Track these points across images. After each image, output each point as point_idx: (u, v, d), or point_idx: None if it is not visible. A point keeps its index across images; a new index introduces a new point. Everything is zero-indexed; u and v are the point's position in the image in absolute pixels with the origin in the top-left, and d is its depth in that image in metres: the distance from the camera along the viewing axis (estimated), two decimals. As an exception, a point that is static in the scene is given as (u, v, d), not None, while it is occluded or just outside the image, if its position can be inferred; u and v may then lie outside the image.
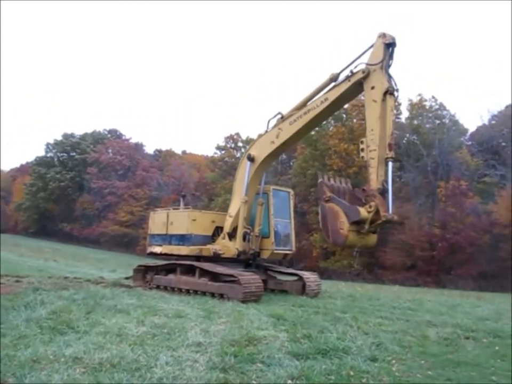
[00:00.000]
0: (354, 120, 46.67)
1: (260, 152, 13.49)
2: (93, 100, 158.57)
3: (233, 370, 5.51)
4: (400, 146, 44.52)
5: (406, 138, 46.68)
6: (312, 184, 41.45)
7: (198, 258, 14.03)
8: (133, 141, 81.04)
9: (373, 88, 10.90)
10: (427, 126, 46.69)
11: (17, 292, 10.79)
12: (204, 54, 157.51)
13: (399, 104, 48.14)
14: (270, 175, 48.55)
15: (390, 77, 10.88)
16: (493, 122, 48.63)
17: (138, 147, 79.76)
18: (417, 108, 47.30)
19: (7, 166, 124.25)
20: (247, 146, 15.25)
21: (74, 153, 79.12)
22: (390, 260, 39.24)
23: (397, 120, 48.53)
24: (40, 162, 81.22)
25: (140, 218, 58.54)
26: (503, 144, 45.08)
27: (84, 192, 74.47)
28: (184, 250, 14.18)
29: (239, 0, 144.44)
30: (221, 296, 12.32)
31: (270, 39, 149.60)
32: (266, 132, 13.51)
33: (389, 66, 10.97)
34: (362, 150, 10.82)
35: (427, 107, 47.11)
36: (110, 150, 75.53)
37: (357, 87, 11.37)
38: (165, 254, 15.29)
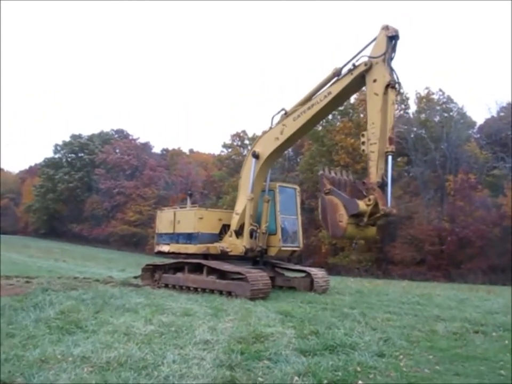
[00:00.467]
0: (361, 115, 46.45)
1: (265, 149, 13.49)
2: (100, 101, 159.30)
3: (240, 368, 5.51)
4: (407, 141, 44.27)
5: (413, 133, 46.34)
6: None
7: (206, 256, 14.05)
8: (140, 140, 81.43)
9: (375, 81, 10.91)
10: (435, 119, 46.32)
11: (27, 293, 10.88)
12: (209, 52, 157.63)
13: (407, 99, 47.96)
14: (278, 172, 48.56)
15: (392, 70, 10.90)
16: (502, 114, 48.10)
17: (145, 147, 79.99)
18: (425, 101, 46.95)
19: (16, 168, 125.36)
20: (254, 144, 15.31)
21: (82, 154, 79.47)
22: (399, 255, 39.07)
23: (405, 114, 48.32)
24: (49, 163, 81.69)
25: (149, 218, 58.68)
26: (512, 136, 44.62)
27: (92, 193, 74.84)
28: (191, 248, 14.21)
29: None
30: (229, 293, 12.34)
31: (275, 36, 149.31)
32: (270, 128, 13.51)
33: (392, 59, 10.98)
34: (363, 143, 10.92)
35: (435, 100, 46.74)
36: (117, 150, 75.80)
37: (360, 80, 11.38)
38: (173, 253, 15.33)
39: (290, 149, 52.99)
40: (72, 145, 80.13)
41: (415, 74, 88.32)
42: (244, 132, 61.63)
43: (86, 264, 30.58)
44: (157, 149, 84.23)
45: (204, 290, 13.17)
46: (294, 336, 7.26)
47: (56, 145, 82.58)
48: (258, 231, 13.51)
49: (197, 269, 13.77)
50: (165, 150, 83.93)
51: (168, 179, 67.82)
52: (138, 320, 8.04)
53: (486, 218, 36.77)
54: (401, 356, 6.36)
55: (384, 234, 41.47)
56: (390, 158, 10.59)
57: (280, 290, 14.27)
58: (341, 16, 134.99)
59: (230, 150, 62.84)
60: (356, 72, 11.37)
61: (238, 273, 12.49)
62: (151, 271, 15.63)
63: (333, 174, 11.72)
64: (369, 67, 11.02)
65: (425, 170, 43.82)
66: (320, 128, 48.24)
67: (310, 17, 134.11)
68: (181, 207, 16.84)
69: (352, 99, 44.44)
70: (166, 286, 14.59)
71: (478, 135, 50.28)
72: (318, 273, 14.57)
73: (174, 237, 15.12)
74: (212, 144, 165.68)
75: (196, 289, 13.40)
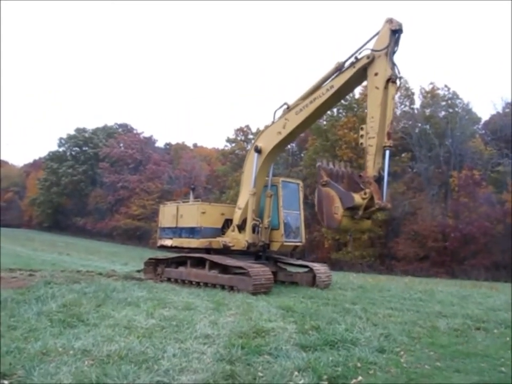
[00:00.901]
0: (366, 110, 46.24)
1: (267, 143, 13.46)
2: (104, 95, 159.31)
3: (240, 362, 5.51)
4: (412, 136, 44.11)
5: (418, 128, 46.15)
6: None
7: (208, 250, 14.07)
8: (144, 135, 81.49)
9: (376, 74, 10.92)
10: (440, 115, 46.10)
11: (30, 286, 10.90)
12: (214, 47, 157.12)
13: (412, 94, 47.70)
14: (281, 167, 48.52)
15: (394, 64, 10.89)
16: (507, 110, 47.80)
17: (149, 141, 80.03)
18: (430, 96, 46.72)
19: (20, 162, 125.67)
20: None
21: (86, 148, 79.65)
22: (402, 251, 39.06)
23: (409, 109, 48.11)
24: (53, 157, 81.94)
25: (152, 212, 58.74)
26: (517, 132, 44.36)
27: (96, 187, 75.09)
28: (194, 243, 14.23)
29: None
30: (231, 288, 12.34)
31: (280, 32, 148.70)
32: (272, 122, 13.47)
33: (394, 53, 10.97)
34: (362, 136, 10.99)
35: (440, 96, 46.49)
36: (121, 144, 75.93)
37: (362, 74, 11.36)
38: (175, 247, 15.35)
39: (294, 144, 53.00)
40: (76, 139, 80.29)
41: (420, 70, 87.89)
42: (247, 126, 61.64)
43: (89, 257, 30.73)
44: (160, 143, 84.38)
45: (206, 284, 13.19)
46: (295, 331, 7.26)
47: (60, 139, 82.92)
48: (260, 225, 13.51)
49: (199, 263, 13.78)
50: (168, 144, 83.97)
51: (172, 173, 67.88)
52: (140, 314, 8.06)
53: (490, 215, 36.68)
54: (402, 352, 6.36)
55: (387, 230, 41.52)
56: (387, 152, 10.65)
57: (282, 285, 14.28)
58: (346, 10, 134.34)
59: (233, 144, 62.75)
60: (358, 65, 11.36)
61: (240, 267, 12.50)
62: (153, 265, 15.66)
63: (331, 166, 11.81)
64: (371, 60, 11.01)
65: (430, 166, 43.68)
66: (324, 123, 48.15)
67: (315, 12, 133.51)
68: (183, 202, 16.84)
69: (357, 94, 44.34)
70: (169, 280, 14.62)
71: (483, 131, 50.08)
72: (320, 268, 14.56)
73: (177, 231, 15.12)
74: (215, 138, 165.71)
75: (198, 284, 13.42)
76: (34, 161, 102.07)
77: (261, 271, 12.24)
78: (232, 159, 59.87)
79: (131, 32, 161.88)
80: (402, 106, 48.27)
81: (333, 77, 11.98)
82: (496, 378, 5.45)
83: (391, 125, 10.67)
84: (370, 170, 10.62)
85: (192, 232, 14.41)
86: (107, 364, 5.17)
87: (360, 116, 45.26)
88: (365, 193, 10.50)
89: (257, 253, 14.36)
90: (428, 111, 46.62)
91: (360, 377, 5.20)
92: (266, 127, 13.80)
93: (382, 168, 10.69)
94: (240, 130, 62.00)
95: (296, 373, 5.21)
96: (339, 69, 11.80)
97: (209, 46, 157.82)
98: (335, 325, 7.70)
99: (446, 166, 43.63)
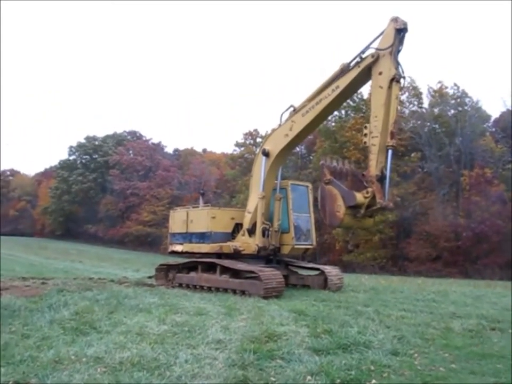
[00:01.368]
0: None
1: (275, 146, 13.46)
2: (112, 102, 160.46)
3: (252, 367, 5.48)
4: (421, 136, 43.81)
5: (427, 127, 45.82)
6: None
7: (219, 255, 14.04)
8: (153, 141, 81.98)
9: (380, 73, 10.97)
10: (449, 113, 45.75)
11: (42, 294, 10.98)
12: (222, 51, 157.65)
13: (420, 93, 47.39)
14: (291, 170, 48.50)
15: (398, 64, 10.94)
16: (517, 107, 47.31)
17: (157, 147, 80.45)
18: (438, 95, 46.41)
19: (32, 171, 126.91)
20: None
21: (96, 156, 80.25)
22: (414, 252, 38.75)
23: (418, 109, 47.79)
24: (64, 165, 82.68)
25: (163, 218, 58.88)
26: (528, 129, 43.86)
27: (106, 194, 75.54)
28: (204, 248, 14.23)
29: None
30: (243, 292, 12.31)
31: (287, 35, 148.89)
32: (279, 125, 13.48)
33: (399, 52, 11.00)
34: (365, 135, 11.07)
35: (449, 94, 46.15)
36: (130, 151, 76.40)
37: (367, 73, 11.41)
38: (186, 252, 15.35)
39: (303, 147, 52.97)
40: (86, 147, 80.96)
41: (428, 69, 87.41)
42: (256, 130, 61.65)
43: (101, 264, 30.94)
44: (169, 149, 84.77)
45: (217, 289, 13.17)
46: (307, 335, 7.21)
47: (70, 147, 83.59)
48: (270, 229, 13.48)
49: (210, 268, 13.78)
50: (177, 150, 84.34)
51: (182, 179, 68.11)
52: (152, 320, 8.07)
53: (502, 213, 36.25)
54: (415, 354, 6.28)
55: (399, 231, 41.23)
56: (390, 152, 10.74)
57: (294, 289, 14.22)
58: (353, 11, 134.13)
59: (242, 148, 62.83)
60: (363, 65, 11.39)
61: (251, 272, 12.47)
62: (165, 271, 15.69)
63: (334, 164, 11.93)
64: (375, 59, 11.04)
65: (440, 166, 43.32)
66: (333, 124, 48.04)
67: (322, 14, 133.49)
68: (193, 207, 16.86)
69: (365, 94, 44.16)
70: (180, 285, 14.63)
71: (494, 129, 49.58)
72: (331, 271, 14.48)
73: (187, 237, 15.13)
74: (224, 143, 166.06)
75: (209, 289, 13.41)
76: (46, 170, 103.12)
77: (272, 274, 12.20)
78: (241, 163, 59.93)
79: (139, 40, 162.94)
80: (411, 106, 47.99)
81: (338, 77, 12.01)
82: (513, 379, 5.36)
83: (394, 124, 10.73)
84: (373, 169, 10.74)
85: (202, 237, 14.42)
86: (119, 371, 5.18)
87: (368, 117, 45.02)
88: (367, 192, 10.67)
89: (268, 256, 14.32)
90: (436, 110, 46.28)
91: (373, 381, 5.14)
92: (273, 130, 13.81)
93: (385, 167, 10.78)
94: (248, 134, 62.09)
95: (309, 377, 5.16)
96: (344, 70, 11.81)
97: (217, 51, 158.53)
98: (347, 328, 7.65)
99: (456, 165, 43.24)
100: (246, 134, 62.31)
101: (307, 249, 14.57)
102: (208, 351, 6.11)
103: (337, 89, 11.90)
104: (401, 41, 10.96)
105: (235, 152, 64.77)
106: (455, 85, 45.84)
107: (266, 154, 13.47)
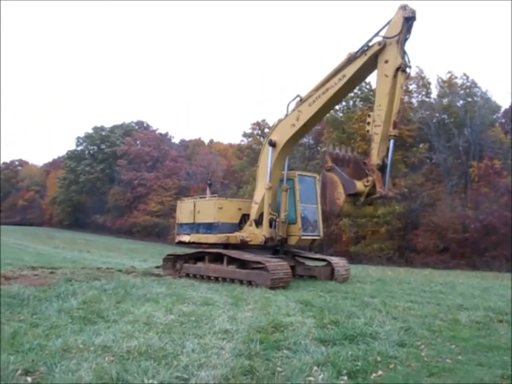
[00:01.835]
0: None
1: (281, 136, 13.42)
2: (120, 93, 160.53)
3: (259, 357, 5.49)
4: (430, 126, 43.42)
5: (436, 118, 45.39)
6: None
7: (226, 246, 14.09)
8: (160, 131, 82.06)
9: (386, 62, 10.92)
10: (458, 104, 45.27)
11: (51, 283, 11.07)
12: (230, 41, 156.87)
13: (429, 83, 46.90)
14: (298, 161, 48.28)
15: (404, 53, 10.85)
16: (528, 97, 46.77)
17: (164, 137, 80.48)
18: (447, 86, 45.89)
19: (40, 161, 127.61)
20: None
21: (104, 146, 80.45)
22: (421, 243, 38.55)
23: (426, 99, 47.34)
24: (72, 156, 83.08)
25: (170, 208, 59.08)
26: (539, 119, 43.35)
27: (114, 184, 75.82)
28: (211, 238, 14.27)
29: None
30: (249, 283, 12.35)
31: (295, 28, 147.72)
32: (286, 115, 13.42)
33: (406, 40, 10.88)
34: (368, 124, 11.11)
35: (458, 85, 45.62)
36: (138, 142, 76.50)
37: (374, 61, 11.36)
38: (193, 243, 15.42)
39: (310, 138, 52.66)
40: (94, 138, 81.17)
41: (437, 59, 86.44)
42: (264, 121, 61.29)
43: (109, 254, 31.15)
44: (175, 140, 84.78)
45: (224, 279, 13.23)
46: (314, 325, 7.21)
47: (78, 138, 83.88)
48: (277, 220, 13.47)
49: (217, 258, 13.83)
50: (183, 141, 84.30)
51: (189, 169, 68.16)
52: (159, 310, 8.11)
53: (511, 205, 35.90)
54: (422, 346, 6.27)
55: (406, 222, 41.02)
56: (392, 141, 10.78)
57: (301, 280, 14.25)
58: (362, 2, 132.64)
59: (250, 139, 62.58)
60: (369, 53, 11.31)
61: (258, 262, 12.49)
62: (172, 261, 15.78)
63: (337, 151, 12.04)
64: (382, 47, 10.97)
65: (448, 157, 42.92)
66: (340, 115, 47.73)
67: (334, 4, 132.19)
68: (200, 197, 16.88)
69: (374, 84, 43.80)
70: (187, 275, 14.70)
71: (503, 120, 48.98)
72: (338, 262, 14.49)
73: (195, 227, 15.19)
74: (231, 134, 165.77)
75: (216, 279, 13.47)
76: (54, 160, 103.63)
77: (279, 265, 12.22)
78: (249, 153, 59.69)
79: (147, 32, 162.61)
80: (420, 96, 47.53)
81: (345, 66, 11.93)
82: (520, 371, 5.33)
83: (398, 114, 10.74)
84: (374, 158, 10.80)
85: (209, 227, 14.45)
86: (127, 360, 5.20)
87: (373, 106, 44.70)
88: (368, 181, 10.79)
89: (275, 247, 14.34)
90: (445, 101, 45.80)
91: (380, 372, 5.14)
92: (280, 120, 13.74)
93: (386, 157, 10.85)
94: (256, 124, 61.72)
95: (315, 367, 5.16)
96: (351, 58, 11.73)
97: (226, 41, 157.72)
98: (354, 319, 7.65)
99: (465, 156, 42.83)
100: (254, 124, 62.00)
101: (314, 240, 14.57)
102: (215, 341, 6.13)
103: (344, 78, 11.83)
104: (409, 30, 10.85)
105: (242, 143, 64.58)
106: (465, 75, 45.35)
107: (273, 144, 13.43)
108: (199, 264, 14.46)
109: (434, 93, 47.38)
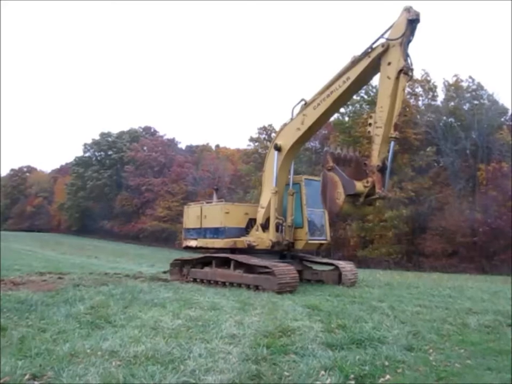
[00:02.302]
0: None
1: (286, 140, 13.46)
2: (127, 98, 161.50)
3: (266, 362, 5.48)
4: (437, 130, 43.25)
5: (442, 121, 45.19)
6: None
7: (233, 250, 14.09)
8: (167, 137, 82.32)
9: (389, 64, 10.94)
10: (464, 107, 45.06)
11: (59, 289, 11.13)
12: (235, 47, 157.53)
13: (435, 87, 46.77)
14: (305, 165, 48.20)
15: (407, 55, 10.84)
16: (535, 99, 46.47)
17: (171, 143, 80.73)
18: (454, 89, 45.73)
19: (48, 168, 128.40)
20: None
21: (111, 152, 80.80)
22: (430, 247, 38.34)
23: (433, 102, 47.16)
24: (79, 162, 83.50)
25: (178, 213, 59.02)
26: (547, 122, 43.02)
27: (122, 190, 76.09)
28: (218, 243, 14.28)
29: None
30: (256, 287, 12.34)
31: (302, 29, 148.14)
32: (291, 119, 13.46)
33: (409, 42, 10.88)
34: (370, 125, 11.18)
35: (464, 88, 45.45)
36: (145, 148, 76.76)
37: (378, 63, 11.38)
38: (200, 248, 15.44)
39: (317, 142, 52.56)
40: (101, 144, 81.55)
41: (443, 63, 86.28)
42: (270, 125, 61.17)
43: (117, 260, 31.22)
44: (182, 145, 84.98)
45: (231, 284, 13.22)
46: (321, 330, 7.19)
47: (85, 144, 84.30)
48: (284, 224, 13.46)
49: (225, 263, 13.83)
50: (190, 146, 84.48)
51: (196, 175, 68.26)
52: (166, 315, 8.12)
53: (520, 208, 35.65)
54: (430, 350, 6.22)
55: (414, 226, 40.81)
56: (392, 143, 10.85)
57: (308, 284, 14.21)
58: (368, 4, 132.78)
59: (256, 144, 62.49)
60: (373, 55, 11.34)
61: (265, 267, 12.47)
62: (179, 266, 15.80)
63: (338, 151, 12.05)
64: (385, 49, 10.97)
65: (456, 160, 42.68)
66: (347, 118, 47.66)
67: (338, 9, 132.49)
68: (207, 202, 16.92)
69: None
70: (194, 280, 14.72)
71: (511, 122, 48.67)
72: (346, 266, 14.44)
73: (201, 232, 15.21)
74: (238, 139, 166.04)
75: (223, 283, 13.47)
76: (61, 166, 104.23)
77: (286, 270, 12.20)
78: (256, 158, 59.64)
79: (155, 38, 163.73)
80: (426, 99, 47.37)
81: (349, 68, 11.95)
82: (529, 376, 5.27)
83: (399, 116, 10.77)
84: (375, 159, 10.85)
85: (216, 232, 14.47)
86: (134, 365, 5.21)
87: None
88: (367, 182, 10.81)
89: (282, 251, 14.33)
90: (452, 104, 45.62)
91: (388, 376, 5.10)
92: (285, 124, 13.78)
93: (387, 158, 10.89)
94: (263, 129, 61.63)
95: (322, 372, 5.14)
96: (355, 61, 11.75)
97: (232, 46, 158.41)
98: (361, 323, 7.62)
99: (473, 159, 42.59)
100: (260, 129, 61.88)
101: (321, 244, 14.54)
102: (222, 345, 6.12)
103: (348, 81, 11.87)
104: (412, 32, 10.83)
105: (249, 148, 64.55)
106: (470, 77, 45.18)
107: (278, 149, 13.46)
108: (206, 269, 14.47)
109: (440, 96, 47.28)
